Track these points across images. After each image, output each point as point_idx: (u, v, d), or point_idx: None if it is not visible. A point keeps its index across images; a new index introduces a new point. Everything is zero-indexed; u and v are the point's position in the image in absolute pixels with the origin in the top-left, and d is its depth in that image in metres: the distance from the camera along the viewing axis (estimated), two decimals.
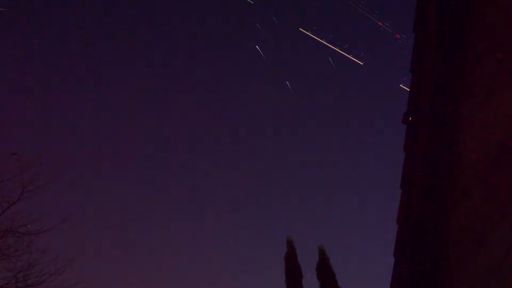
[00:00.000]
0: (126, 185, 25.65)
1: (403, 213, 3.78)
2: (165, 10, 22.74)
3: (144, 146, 26.32)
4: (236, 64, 24.79)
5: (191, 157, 26.50)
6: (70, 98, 24.93)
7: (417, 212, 3.57)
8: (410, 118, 3.66)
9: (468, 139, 3.30)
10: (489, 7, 3.21)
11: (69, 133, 24.59)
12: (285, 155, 27.02)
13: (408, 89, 3.69)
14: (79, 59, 23.90)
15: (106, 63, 24.53)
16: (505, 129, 2.84)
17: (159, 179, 26.42)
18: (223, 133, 26.44)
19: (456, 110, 3.42)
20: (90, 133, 25.50)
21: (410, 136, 3.67)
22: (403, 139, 3.75)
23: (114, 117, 25.64)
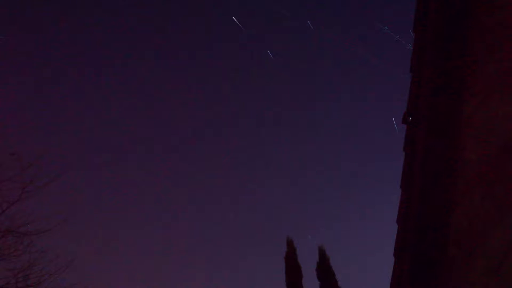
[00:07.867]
0: (126, 185, 25.67)
1: (403, 213, 3.78)
2: None
3: (143, 146, 26.31)
4: (215, 38, 24.42)
5: (189, 156, 26.49)
6: (70, 98, 24.94)
7: (417, 212, 3.57)
8: (410, 118, 3.66)
9: (468, 139, 3.30)
10: (489, 7, 3.21)
11: (69, 133, 24.60)
12: (285, 154, 27.01)
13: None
14: (79, 58, 23.90)
15: (106, 63, 24.53)
16: (505, 129, 2.84)
17: (159, 179, 26.43)
18: (215, 122, 26.24)
19: (456, 110, 3.42)
20: (90, 133, 25.51)
21: (410, 136, 3.67)
22: (403, 139, 3.75)
23: (114, 116, 25.65)
